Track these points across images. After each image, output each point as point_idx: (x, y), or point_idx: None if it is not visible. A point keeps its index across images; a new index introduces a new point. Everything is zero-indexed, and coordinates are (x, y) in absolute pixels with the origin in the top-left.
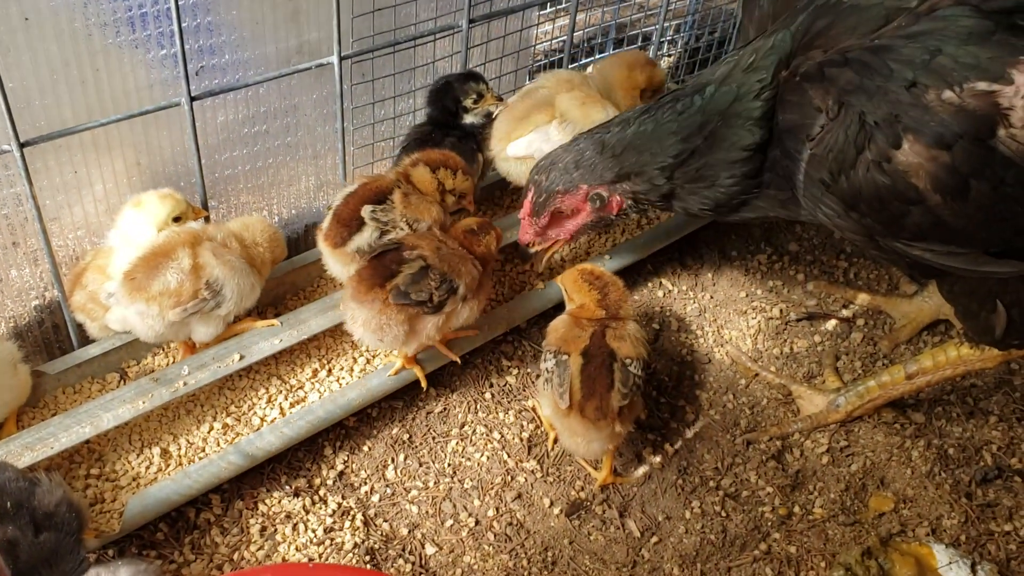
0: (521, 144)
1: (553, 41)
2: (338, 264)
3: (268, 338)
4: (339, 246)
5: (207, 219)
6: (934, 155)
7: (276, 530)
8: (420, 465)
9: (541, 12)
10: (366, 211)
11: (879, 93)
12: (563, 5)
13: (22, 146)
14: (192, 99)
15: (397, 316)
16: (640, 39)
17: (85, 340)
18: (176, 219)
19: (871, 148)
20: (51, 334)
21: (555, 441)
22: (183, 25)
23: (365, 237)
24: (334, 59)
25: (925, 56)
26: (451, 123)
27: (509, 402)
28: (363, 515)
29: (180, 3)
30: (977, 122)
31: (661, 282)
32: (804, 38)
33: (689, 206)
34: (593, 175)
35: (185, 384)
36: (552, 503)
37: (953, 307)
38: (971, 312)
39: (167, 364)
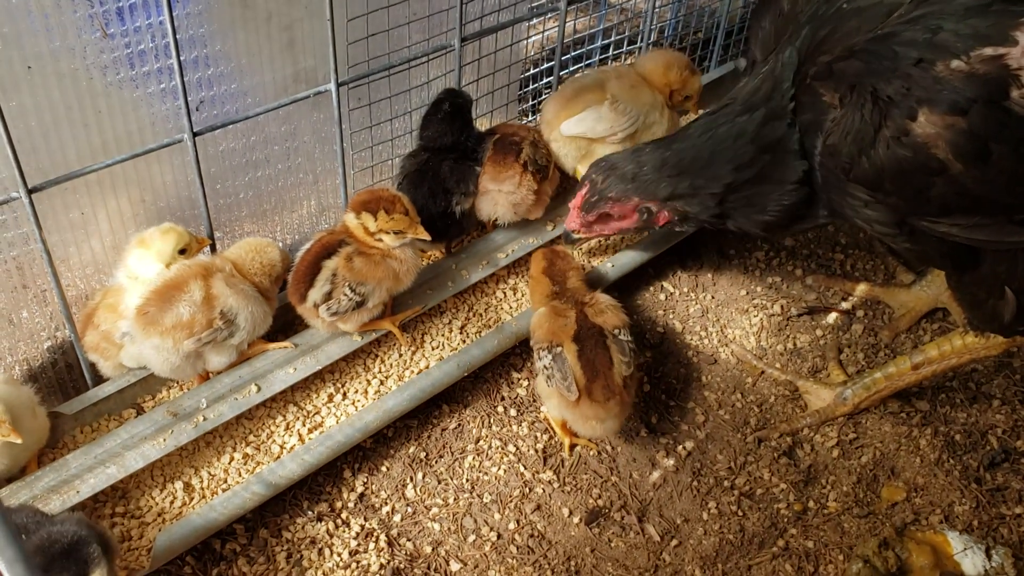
0: (572, 122)
1: (544, 51)
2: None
3: (284, 367)
4: (300, 303)
5: (212, 248)
6: (951, 122)
7: (302, 556)
8: (439, 482)
9: (529, 24)
10: (323, 310)
11: (888, 72)
12: (549, 15)
13: (30, 192)
14: (195, 134)
15: (530, 184)
16: (626, 43)
17: (99, 378)
18: (181, 251)
19: (888, 125)
20: (65, 374)
21: (572, 448)
22: (181, 59)
23: (318, 292)
24: (332, 86)
25: (927, 35)
26: (453, 145)
27: (522, 414)
28: (386, 535)
29: (177, 38)
30: (989, 85)
31: (662, 285)
32: (809, 48)
33: (742, 226)
34: (647, 190)
35: (205, 419)
36: (571, 512)
37: (959, 297)
38: (979, 301)
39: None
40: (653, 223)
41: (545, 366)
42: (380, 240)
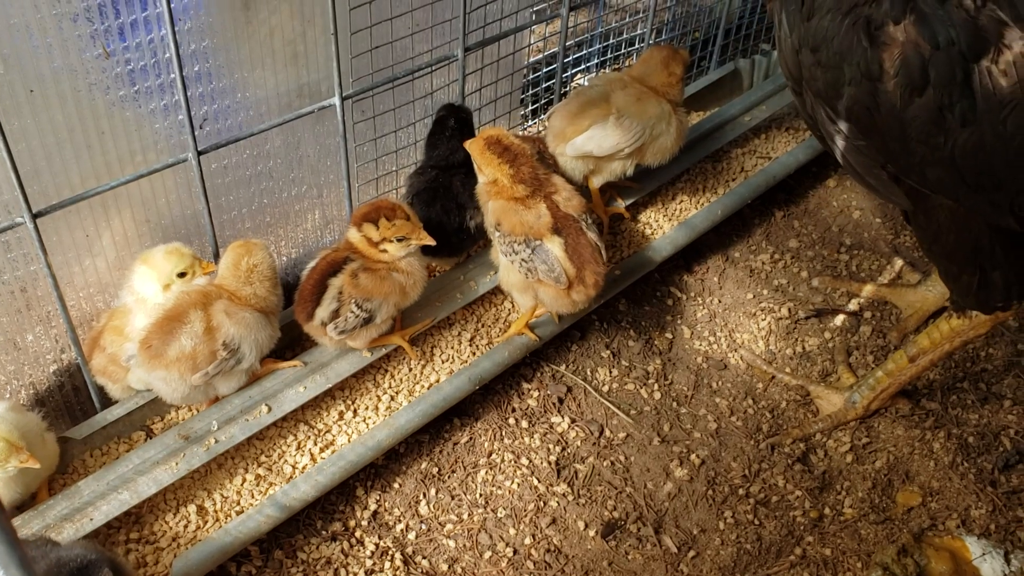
0: (579, 141)
1: (542, 55)
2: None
3: (294, 386)
4: (307, 322)
5: None
6: (920, 47)
7: None
8: (452, 498)
9: (531, 30)
10: (330, 329)
11: None
12: (548, 20)
13: (35, 217)
14: (199, 153)
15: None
16: (625, 45)
17: (106, 401)
18: (181, 275)
19: (874, 7)
20: (71, 397)
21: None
22: (184, 75)
23: (325, 310)
24: (336, 100)
25: None
26: (464, 160)
27: (533, 426)
28: (401, 554)
29: (180, 52)
30: (975, 40)
31: (669, 291)
32: None
33: None
34: None
35: (217, 442)
36: (587, 525)
37: (936, 268)
38: (952, 274)
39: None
40: None
41: (524, 259)
42: (385, 251)
